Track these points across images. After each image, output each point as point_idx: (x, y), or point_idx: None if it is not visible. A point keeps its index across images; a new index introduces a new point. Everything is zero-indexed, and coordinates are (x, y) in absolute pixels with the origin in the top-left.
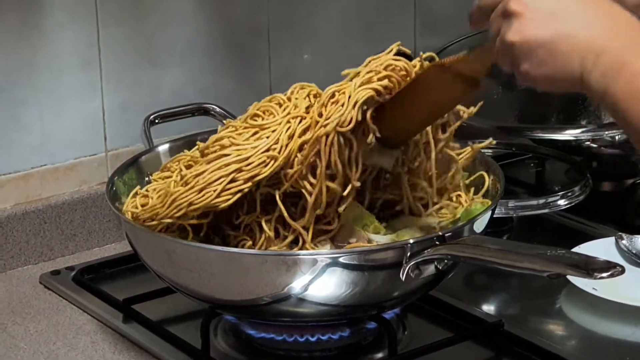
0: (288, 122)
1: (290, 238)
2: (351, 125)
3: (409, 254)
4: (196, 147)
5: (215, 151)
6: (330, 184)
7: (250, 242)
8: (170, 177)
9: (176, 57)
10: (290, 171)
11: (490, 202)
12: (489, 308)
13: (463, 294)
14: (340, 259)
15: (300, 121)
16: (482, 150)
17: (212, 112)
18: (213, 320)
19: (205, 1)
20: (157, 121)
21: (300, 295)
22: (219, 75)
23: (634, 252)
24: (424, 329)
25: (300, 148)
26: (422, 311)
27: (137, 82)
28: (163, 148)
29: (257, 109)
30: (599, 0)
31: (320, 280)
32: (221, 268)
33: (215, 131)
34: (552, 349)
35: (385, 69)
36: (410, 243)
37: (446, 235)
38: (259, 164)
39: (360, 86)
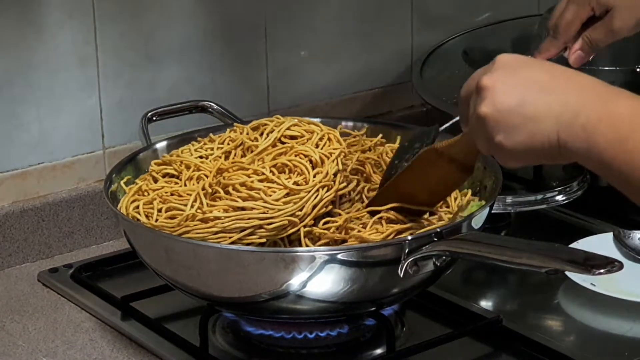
0: (317, 190)
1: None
2: None
3: (407, 250)
4: (196, 142)
5: (240, 196)
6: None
7: None
8: (171, 172)
9: (173, 54)
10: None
11: (487, 199)
12: (487, 304)
13: (461, 290)
14: (339, 256)
15: (327, 190)
16: None
17: (210, 110)
18: (211, 317)
19: None
20: (154, 118)
21: (298, 292)
22: (216, 73)
23: (632, 247)
24: (422, 325)
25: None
26: (420, 308)
27: (135, 80)
28: (161, 145)
29: (288, 160)
30: (565, 69)
31: (318, 277)
32: (219, 265)
33: (213, 129)
34: (550, 344)
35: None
36: (408, 240)
37: (444, 231)
38: (279, 226)
39: None
